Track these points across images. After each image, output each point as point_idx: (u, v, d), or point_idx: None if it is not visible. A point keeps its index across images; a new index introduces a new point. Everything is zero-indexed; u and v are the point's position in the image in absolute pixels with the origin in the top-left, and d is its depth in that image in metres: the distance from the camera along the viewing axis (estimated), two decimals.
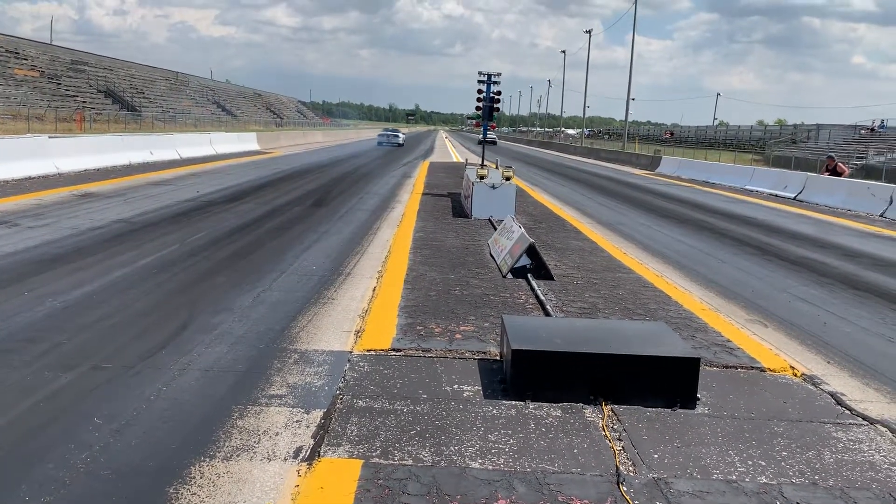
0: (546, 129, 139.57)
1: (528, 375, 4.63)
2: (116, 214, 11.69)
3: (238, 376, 4.83)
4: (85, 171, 18.66)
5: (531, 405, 4.53)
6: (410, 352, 5.46)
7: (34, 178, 16.35)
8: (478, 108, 17.77)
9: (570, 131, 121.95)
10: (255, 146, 36.72)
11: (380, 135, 56.78)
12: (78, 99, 53.52)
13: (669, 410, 4.56)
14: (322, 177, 22.17)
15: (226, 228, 10.95)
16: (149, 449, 3.76)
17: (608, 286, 8.06)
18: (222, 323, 6.00)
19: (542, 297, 7.21)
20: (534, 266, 8.30)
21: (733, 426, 4.41)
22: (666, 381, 4.64)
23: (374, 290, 7.44)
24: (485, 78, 17.39)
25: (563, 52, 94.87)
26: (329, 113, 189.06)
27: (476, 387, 4.82)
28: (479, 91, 17.41)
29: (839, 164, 24.29)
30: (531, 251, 8.34)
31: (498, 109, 17.91)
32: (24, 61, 54.01)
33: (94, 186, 15.62)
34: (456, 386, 4.82)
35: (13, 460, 3.59)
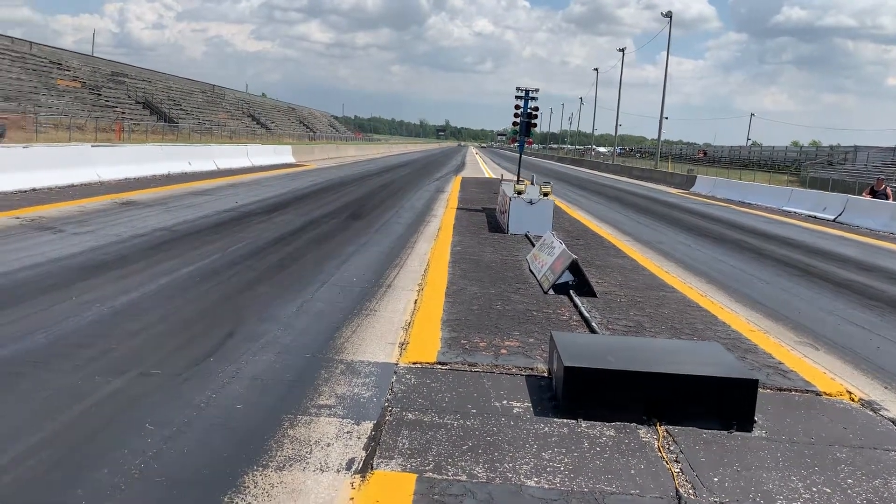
0: (577, 147, 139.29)
1: (581, 393, 4.54)
2: (158, 223, 11.82)
3: (286, 385, 4.81)
4: (126, 179, 18.95)
5: (583, 423, 4.44)
6: (456, 366, 5.40)
7: (77, 185, 16.64)
8: (515, 124, 17.74)
9: (601, 149, 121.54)
10: (290, 159, 37.06)
11: (460, 143, 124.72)
12: (117, 110, 54.57)
13: (726, 432, 4.44)
14: (357, 190, 22.27)
15: (266, 239, 11.01)
16: (202, 456, 3.74)
17: (652, 305, 7.93)
18: (268, 332, 5.99)
19: (587, 315, 7.11)
20: (576, 283, 8.20)
21: (793, 451, 4.27)
22: (722, 403, 4.52)
23: (415, 302, 7.40)
24: (522, 93, 17.35)
25: (596, 69, 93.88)
26: (361, 128, 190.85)
27: (525, 403, 4.74)
28: (517, 107, 17.38)
29: (888, 186, 23.85)
30: (574, 267, 8.24)
31: (535, 125, 17.85)
32: (67, 72, 55.27)
33: (135, 195, 15.84)
34: (505, 402, 4.75)
35: (69, 465, 3.59)
